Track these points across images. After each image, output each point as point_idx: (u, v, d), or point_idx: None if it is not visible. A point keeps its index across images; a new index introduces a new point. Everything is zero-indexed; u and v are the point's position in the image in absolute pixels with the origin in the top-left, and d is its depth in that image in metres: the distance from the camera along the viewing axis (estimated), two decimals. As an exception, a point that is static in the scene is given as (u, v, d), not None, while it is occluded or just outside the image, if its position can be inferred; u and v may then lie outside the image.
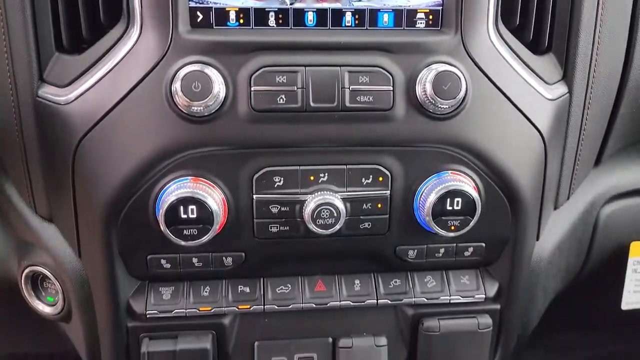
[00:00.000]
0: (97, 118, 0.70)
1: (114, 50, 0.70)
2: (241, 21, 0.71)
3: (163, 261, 0.76)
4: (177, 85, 0.66)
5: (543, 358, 1.62)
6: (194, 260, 0.76)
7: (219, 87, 0.67)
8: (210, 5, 0.70)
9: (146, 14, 0.68)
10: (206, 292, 0.80)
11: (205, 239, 0.70)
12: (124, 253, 0.76)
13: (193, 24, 0.70)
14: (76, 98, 0.71)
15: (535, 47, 0.79)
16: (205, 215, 0.69)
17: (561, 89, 0.80)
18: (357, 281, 0.83)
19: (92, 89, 0.70)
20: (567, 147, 0.84)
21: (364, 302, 0.82)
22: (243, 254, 0.77)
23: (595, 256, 0.97)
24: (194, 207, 0.69)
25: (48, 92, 0.72)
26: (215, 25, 0.71)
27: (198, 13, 0.70)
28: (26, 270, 0.81)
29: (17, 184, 0.79)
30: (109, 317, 0.78)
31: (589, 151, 0.88)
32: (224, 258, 0.77)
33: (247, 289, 0.81)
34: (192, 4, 0.69)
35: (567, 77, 0.80)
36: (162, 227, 0.69)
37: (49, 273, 0.80)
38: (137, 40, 0.69)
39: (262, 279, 0.82)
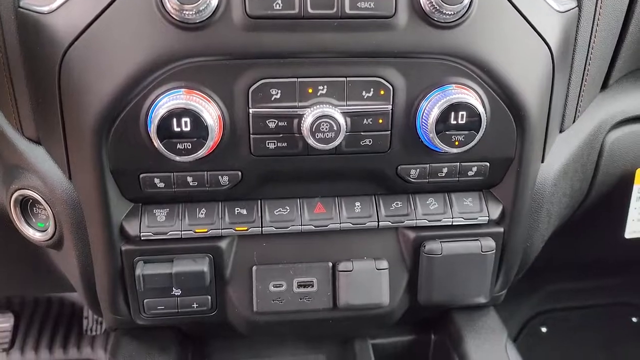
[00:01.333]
0: (82, 27, 0.66)
1: None
2: None
3: (157, 180, 0.73)
4: None
5: (543, 304, 1.64)
6: (189, 179, 0.74)
7: None
8: None
9: None
10: (202, 213, 0.77)
11: (200, 153, 0.67)
12: (115, 172, 0.73)
13: None
14: (59, 6, 0.67)
15: None
16: (200, 128, 0.66)
17: (571, 2, 0.77)
18: (357, 203, 0.80)
19: None
20: (575, 66, 0.81)
21: (364, 224, 0.80)
22: (239, 173, 0.74)
23: (599, 183, 0.95)
24: (187, 119, 0.66)
25: (30, 1, 0.68)
26: None
27: None
28: (15, 194, 0.78)
29: (3, 105, 0.76)
30: (103, 241, 0.76)
31: (596, 72, 0.85)
32: (219, 177, 0.74)
33: (244, 211, 0.78)
34: None
35: None
36: (155, 140, 0.66)
37: (39, 197, 0.77)
38: None
39: (259, 201, 0.79)
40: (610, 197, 0.99)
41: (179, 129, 0.66)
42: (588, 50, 0.81)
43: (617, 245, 1.12)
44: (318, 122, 0.69)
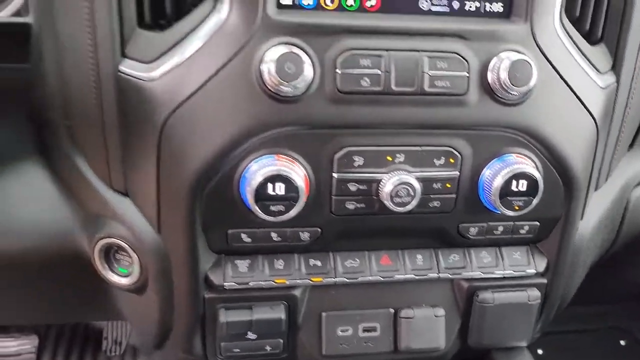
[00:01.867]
0: (185, 96, 0.72)
1: (201, 28, 0.72)
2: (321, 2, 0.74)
3: (243, 235, 0.80)
4: (269, 66, 0.69)
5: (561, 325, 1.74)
6: (273, 235, 0.80)
7: (309, 69, 0.70)
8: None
9: None
10: (280, 265, 0.84)
11: (291, 213, 0.74)
12: (205, 228, 0.79)
13: (278, 5, 0.72)
14: (162, 75, 0.72)
15: (589, 38, 0.84)
16: (292, 192, 0.73)
17: (611, 78, 0.85)
18: (419, 256, 0.88)
19: (179, 67, 0.72)
20: (611, 132, 0.90)
21: (426, 275, 0.87)
22: (319, 230, 0.81)
23: (624, 233, 1.04)
24: (281, 184, 0.72)
25: (130, 67, 0.74)
26: (299, 7, 0.73)
27: (287, -5, 0.73)
28: (101, 243, 0.83)
29: (91, 158, 0.81)
30: (188, 289, 0.82)
31: (627, 136, 0.94)
32: (300, 233, 0.81)
33: (319, 263, 0.85)
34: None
35: (616, 67, 0.86)
36: (251, 203, 0.73)
37: (126, 245, 0.82)
38: (225, 20, 0.71)
39: (331, 253, 0.86)
40: (633, 244, 1.08)
41: (273, 193, 0.73)
42: (622, 118, 0.90)
43: (624, 282, 1.22)
44: (397, 188, 0.76)
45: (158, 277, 0.83)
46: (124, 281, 0.85)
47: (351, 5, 0.75)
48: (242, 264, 0.83)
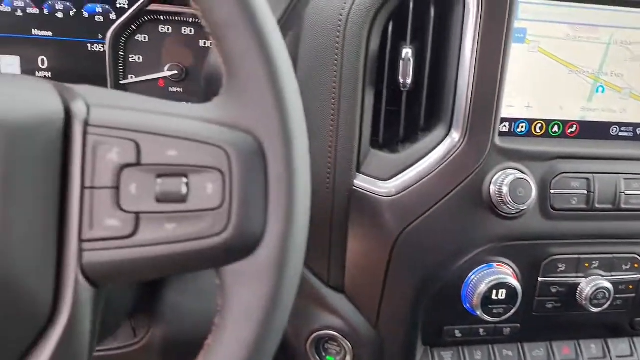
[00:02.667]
0: (419, 213, 0.82)
1: (434, 152, 0.82)
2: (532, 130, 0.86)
3: (457, 332, 0.89)
4: (500, 189, 0.80)
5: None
6: (481, 330, 0.90)
7: (535, 192, 0.81)
8: (516, 117, 0.85)
9: (473, 122, 0.80)
10: (479, 355, 0.93)
11: (509, 314, 0.84)
12: (424, 327, 0.88)
13: (499, 132, 0.83)
14: (398, 193, 0.83)
15: None
16: (512, 296, 0.83)
17: None
18: (592, 345, 0.98)
19: (414, 187, 0.82)
20: None
21: None
22: (519, 325, 0.91)
23: None
24: (503, 290, 0.83)
25: (365, 182, 0.84)
26: (514, 134, 0.85)
27: (505, 123, 0.84)
28: (315, 335, 0.92)
29: (312, 258, 0.90)
30: (401, 378, 0.91)
31: None
32: (504, 328, 0.90)
33: (510, 353, 0.95)
34: (504, 115, 0.83)
35: None
36: (475, 307, 0.83)
37: (340, 336, 0.91)
38: (457, 146, 0.82)
39: (519, 344, 0.96)
40: None
41: (496, 298, 0.83)
42: None
43: None
44: (596, 291, 0.87)
45: (370, 367, 0.92)
46: (337, 370, 0.94)
47: (555, 132, 0.87)
48: (447, 355, 0.92)
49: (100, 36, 0.95)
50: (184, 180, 0.45)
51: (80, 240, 0.45)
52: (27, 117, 0.44)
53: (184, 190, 0.45)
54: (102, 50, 0.95)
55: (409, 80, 0.80)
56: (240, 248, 0.46)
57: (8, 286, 0.43)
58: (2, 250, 0.42)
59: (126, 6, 0.95)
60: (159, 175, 0.46)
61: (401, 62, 0.79)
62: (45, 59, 0.95)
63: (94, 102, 0.47)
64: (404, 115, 0.83)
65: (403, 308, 0.86)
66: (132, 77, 0.97)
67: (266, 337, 0.47)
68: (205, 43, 0.98)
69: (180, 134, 0.46)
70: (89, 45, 0.96)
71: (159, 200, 0.45)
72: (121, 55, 0.96)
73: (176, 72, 0.97)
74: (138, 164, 0.45)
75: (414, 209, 0.82)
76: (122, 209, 0.45)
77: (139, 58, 0.97)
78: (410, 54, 0.79)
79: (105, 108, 0.47)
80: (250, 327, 0.47)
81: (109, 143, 0.46)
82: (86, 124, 0.46)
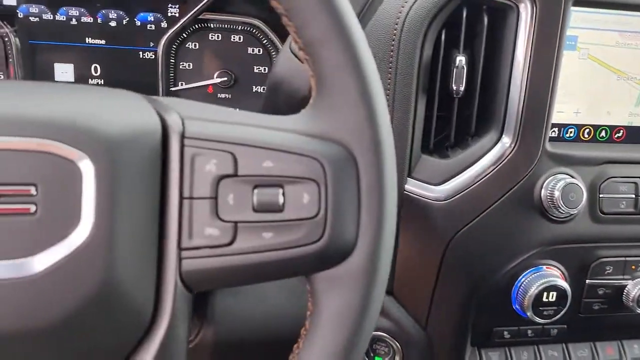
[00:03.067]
0: (471, 218, 0.84)
1: (485, 157, 0.84)
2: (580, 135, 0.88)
3: (505, 332, 0.91)
4: (551, 194, 0.81)
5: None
6: (529, 331, 0.92)
7: (585, 196, 0.82)
8: (565, 122, 0.86)
9: (524, 127, 0.82)
10: (525, 356, 0.95)
11: (558, 316, 0.85)
12: (473, 328, 0.90)
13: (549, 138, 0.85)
14: (450, 197, 0.84)
15: None
16: (562, 298, 0.85)
17: None
18: (635, 345, 1.00)
19: (466, 191, 0.84)
20: None
21: None
22: (565, 326, 0.93)
23: None
24: (554, 292, 0.84)
25: (416, 186, 0.86)
26: (563, 139, 0.86)
27: (554, 128, 0.86)
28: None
29: None
30: (450, 379, 0.93)
31: None
32: (551, 329, 0.92)
33: (556, 353, 0.96)
34: (553, 121, 0.85)
35: None
36: (526, 309, 0.84)
37: (389, 337, 0.93)
38: (508, 151, 0.83)
39: (563, 344, 0.97)
40: None
41: (546, 300, 0.84)
42: None
43: None
44: (642, 292, 0.88)
45: (419, 367, 0.94)
46: (384, 369, 0.96)
47: (603, 137, 0.88)
48: (494, 356, 0.94)
49: (151, 44, 0.98)
50: (280, 190, 0.47)
51: (180, 249, 0.47)
52: (128, 131, 0.46)
53: (280, 200, 0.47)
54: (153, 57, 0.98)
55: (462, 88, 0.81)
56: (333, 255, 0.48)
57: (112, 294, 0.45)
58: (108, 260, 0.44)
59: (177, 14, 0.97)
60: (256, 186, 0.48)
61: (454, 70, 0.81)
62: (98, 67, 0.97)
63: (187, 114, 0.49)
64: (454, 121, 0.85)
65: (453, 310, 0.88)
66: (182, 84, 1.00)
67: (357, 342, 0.49)
68: (253, 50, 1.00)
69: (275, 145, 0.48)
70: (140, 53, 0.98)
71: (256, 210, 0.47)
72: (172, 62, 0.98)
73: (225, 78, 0.99)
74: (235, 175, 0.47)
75: (465, 213, 0.84)
76: (220, 219, 0.47)
77: (189, 65, 0.99)
78: (463, 62, 0.81)
79: (199, 120, 0.49)
80: (342, 332, 0.49)
81: (206, 155, 0.48)
82: (182, 136, 0.48)
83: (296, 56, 0.72)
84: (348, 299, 0.49)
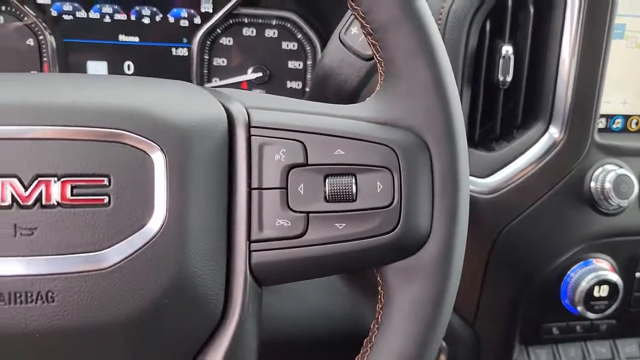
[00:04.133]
0: (520, 211, 0.82)
1: (532, 149, 0.82)
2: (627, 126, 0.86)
3: (554, 329, 0.89)
4: (602, 185, 0.79)
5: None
6: (578, 327, 0.90)
7: (637, 188, 0.81)
8: (612, 113, 0.84)
9: (573, 118, 0.80)
10: (572, 353, 0.93)
11: (610, 310, 0.84)
12: (521, 325, 0.88)
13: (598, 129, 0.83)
14: (497, 190, 0.83)
15: None
16: (613, 292, 0.83)
17: None
18: None
19: (515, 184, 0.82)
20: None
21: None
22: (615, 321, 0.91)
23: None
24: (605, 286, 0.83)
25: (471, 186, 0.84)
26: (610, 130, 0.85)
27: (601, 119, 0.84)
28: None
29: None
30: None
31: None
32: (600, 325, 0.90)
33: (603, 349, 0.94)
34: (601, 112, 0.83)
35: None
36: (577, 304, 0.83)
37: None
38: (557, 142, 0.81)
39: (611, 340, 0.95)
40: None
41: (597, 295, 0.83)
42: None
43: None
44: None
45: (466, 364, 0.92)
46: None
47: (651, 127, 0.87)
48: (542, 353, 0.92)
49: (185, 40, 0.96)
50: (353, 179, 0.46)
51: (249, 241, 0.46)
52: (196, 121, 0.45)
53: (353, 189, 0.46)
54: (187, 54, 0.96)
55: (508, 78, 0.80)
56: (407, 246, 0.47)
57: (185, 287, 0.43)
58: (181, 251, 0.43)
59: (211, 10, 0.96)
60: (327, 175, 0.46)
61: (501, 60, 0.79)
62: (131, 64, 0.96)
63: (251, 104, 0.48)
64: (500, 113, 0.83)
65: (502, 306, 0.86)
66: (216, 80, 0.98)
67: (434, 332, 0.48)
68: (287, 45, 0.99)
69: (346, 133, 0.46)
70: (173, 49, 0.97)
71: (328, 199, 0.46)
72: (206, 58, 0.97)
73: (260, 74, 0.97)
74: (305, 164, 0.46)
75: (513, 207, 0.82)
76: (291, 209, 0.46)
77: (223, 61, 0.98)
78: (510, 52, 0.79)
79: (264, 110, 0.48)
80: (419, 323, 0.47)
81: (275, 144, 0.46)
82: (248, 126, 0.46)
83: (345, 46, 0.70)
84: (424, 289, 0.47)
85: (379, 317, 0.49)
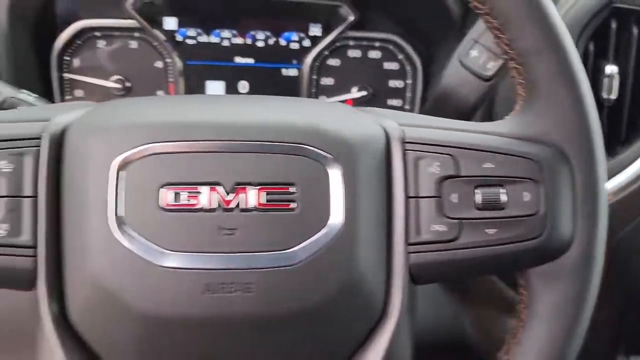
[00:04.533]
0: (628, 222, 0.85)
1: (637, 163, 0.85)
2: None
3: None
4: None
5: None
6: None
7: None
8: None
9: None
10: None
11: None
12: (627, 334, 0.91)
13: None
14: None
15: None
16: None
17: None
18: None
19: (616, 199, 0.85)
20: None
21: None
22: None
23: None
24: None
25: None
26: None
27: None
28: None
29: None
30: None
31: None
32: None
33: None
34: None
35: None
36: None
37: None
38: None
39: None
40: None
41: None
42: None
43: None
44: None
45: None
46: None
47: None
48: (642, 363, 0.95)
49: (294, 61, 1.04)
50: (502, 189, 0.51)
51: (407, 244, 0.51)
52: (363, 136, 0.51)
53: (503, 198, 0.51)
54: (297, 74, 1.04)
55: (613, 96, 0.83)
56: (550, 251, 0.51)
57: (353, 284, 0.49)
58: (353, 252, 0.49)
59: (319, 34, 1.03)
60: (477, 186, 0.51)
61: (606, 80, 0.83)
62: (246, 84, 1.04)
63: (404, 122, 0.54)
64: (604, 130, 0.86)
65: (609, 316, 0.89)
66: (323, 99, 1.05)
67: (575, 334, 0.52)
68: (389, 65, 1.05)
69: (493, 148, 0.52)
70: (283, 70, 1.04)
71: (479, 208, 0.51)
72: (314, 78, 1.04)
73: (365, 93, 1.04)
74: (458, 175, 0.51)
75: (618, 220, 0.85)
76: (446, 216, 0.51)
77: (330, 81, 1.04)
78: (615, 71, 0.83)
79: (417, 127, 0.54)
80: (561, 325, 0.52)
81: (428, 157, 0.52)
82: (403, 141, 0.52)
83: (465, 68, 0.76)
84: (566, 293, 0.52)
85: (522, 316, 0.54)
